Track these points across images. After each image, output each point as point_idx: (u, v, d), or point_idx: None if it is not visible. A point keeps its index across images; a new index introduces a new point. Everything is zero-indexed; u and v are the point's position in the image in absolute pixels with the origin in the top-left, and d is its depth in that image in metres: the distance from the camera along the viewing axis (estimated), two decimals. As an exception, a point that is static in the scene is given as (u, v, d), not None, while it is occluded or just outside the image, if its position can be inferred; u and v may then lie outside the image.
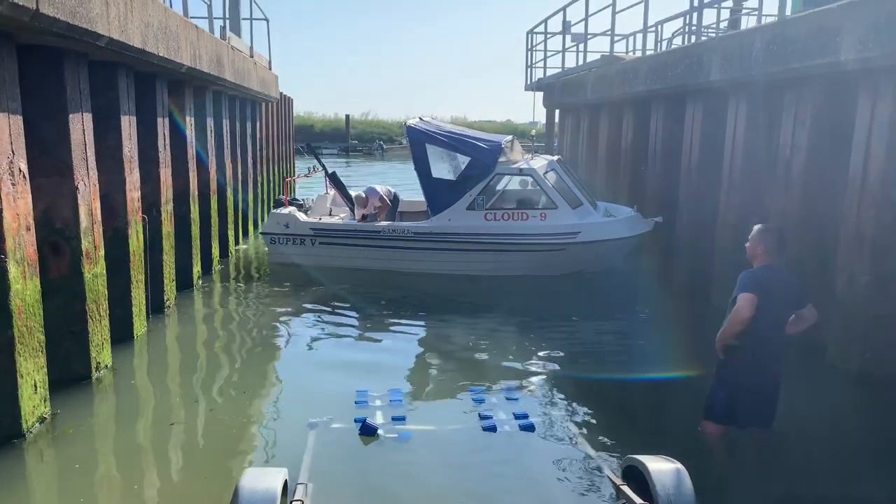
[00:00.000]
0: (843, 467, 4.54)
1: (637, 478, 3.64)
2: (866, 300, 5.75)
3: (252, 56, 12.31)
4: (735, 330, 4.11)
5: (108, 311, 5.96)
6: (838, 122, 6.22)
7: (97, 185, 5.84)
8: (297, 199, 11.20)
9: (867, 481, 4.35)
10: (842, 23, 5.61)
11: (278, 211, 10.05)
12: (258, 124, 14.50)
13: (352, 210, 10.62)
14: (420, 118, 10.42)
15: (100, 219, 5.87)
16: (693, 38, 10.17)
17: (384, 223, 9.77)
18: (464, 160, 9.69)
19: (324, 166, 11.21)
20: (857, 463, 4.59)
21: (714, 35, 10.51)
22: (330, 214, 10.87)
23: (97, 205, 5.82)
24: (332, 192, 11.33)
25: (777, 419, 4.30)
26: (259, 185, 14.24)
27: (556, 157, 10.65)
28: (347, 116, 43.48)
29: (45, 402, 4.92)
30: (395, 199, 10.74)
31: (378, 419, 5.04)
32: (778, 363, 4.21)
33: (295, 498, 3.47)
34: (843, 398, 5.63)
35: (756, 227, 4.37)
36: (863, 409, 5.42)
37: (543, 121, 17.79)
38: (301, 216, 9.97)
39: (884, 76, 5.55)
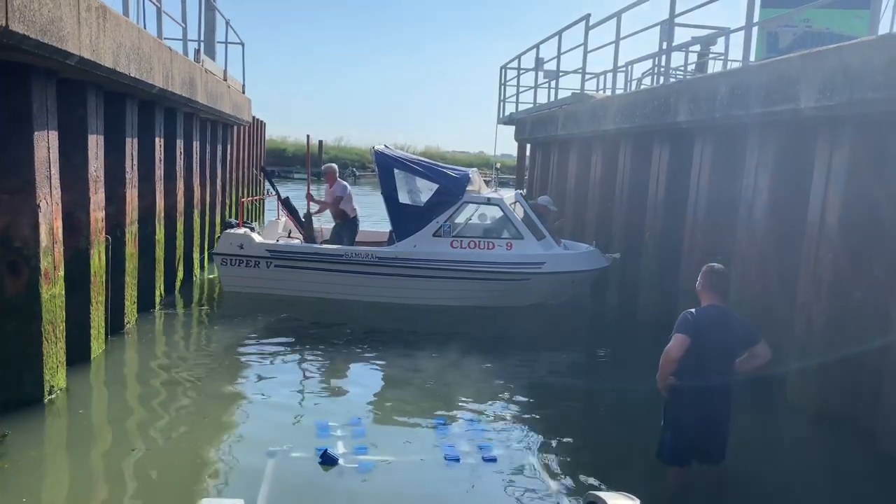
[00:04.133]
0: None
1: (597, 515, 3.63)
2: (823, 341, 5.88)
3: (226, 79, 12.29)
4: (665, 370, 4.16)
5: (64, 333, 5.80)
6: (799, 167, 6.41)
7: (60, 203, 5.73)
8: (249, 223, 10.66)
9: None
10: (802, 72, 5.82)
11: (232, 231, 9.62)
12: (229, 147, 14.44)
13: (305, 238, 10.39)
14: (385, 146, 10.35)
15: (61, 238, 5.75)
16: (662, 80, 10.45)
17: (346, 248, 9.61)
18: (432, 187, 9.69)
19: (277, 191, 10.99)
20: (812, 500, 4.65)
21: (682, 77, 10.81)
22: (290, 236, 10.69)
23: (59, 224, 5.70)
24: (283, 218, 11.10)
25: (729, 455, 4.33)
26: (228, 208, 14.12)
27: (520, 192, 10.82)
28: (320, 142, 43.26)
29: (-7, 425, 4.76)
30: (354, 220, 10.46)
31: (339, 449, 4.97)
32: (721, 400, 4.24)
33: (250, 530, 3.39)
34: (800, 436, 5.71)
35: (703, 268, 4.45)
36: (820, 447, 5.51)
37: (508, 153, 18.05)
38: (256, 237, 9.60)
39: (841, 125, 5.75)
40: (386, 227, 10.70)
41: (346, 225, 10.37)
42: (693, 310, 4.28)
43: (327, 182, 10.54)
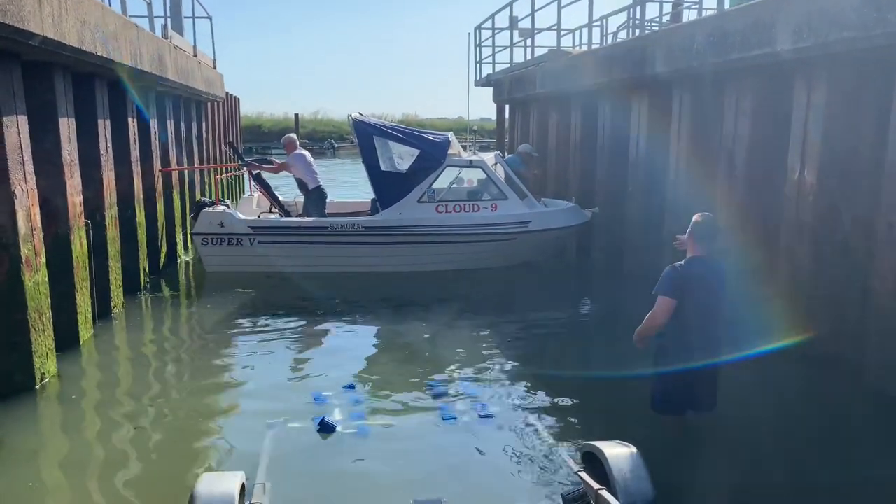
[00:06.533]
0: (790, 447, 4.71)
1: (594, 463, 3.70)
2: (808, 283, 5.96)
3: (196, 55, 12.05)
4: (649, 332, 4.26)
5: (51, 320, 5.76)
6: (778, 112, 6.42)
7: (35, 189, 5.64)
8: (224, 201, 10.44)
9: (813, 460, 4.52)
10: (777, 15, 5.79)
11: (211, 209, 9.39)
12: (204, 125, 14.21)
13: (281, 212, 10.35)
14: (360, 114, 10.19)
15: (40, 225, 5.67)
16: (637, 32, 10.37)
17: (331, 219, 9.59)
18: (413, 153, 9.59)
19: (246, 164, 10.80)
20: (802, 441, 4.76)
21: (657, 28, 10.73)
22: (270, 211, 10.64)
23: (36, 210, 5.62)
24: (256, 193, 10.97)
25: (721, 401, 4.42)
26: (207, 186, 13.94)
27: (499, 153, 10.84)
28: (296, 116, 42.92)
29: (-14, 415, 4.74)
30: (317, 191, 10.29)
31: (336, 416, 5.01)
32: (710, 350, 4.28)
33: (253, 500, 3.42)
34: (788, 376, 5.83)
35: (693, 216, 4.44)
36: (807, 387, 5.63)
37: (486, 117, 17.96)
38: (238, 214, 9.44)
39: (817, 67, 5.75)
40: (366, 196, 10.66)
41: (309, 196, 10.30)
42: (679, 265, 4.29)
43: (287, 152, 10.56)
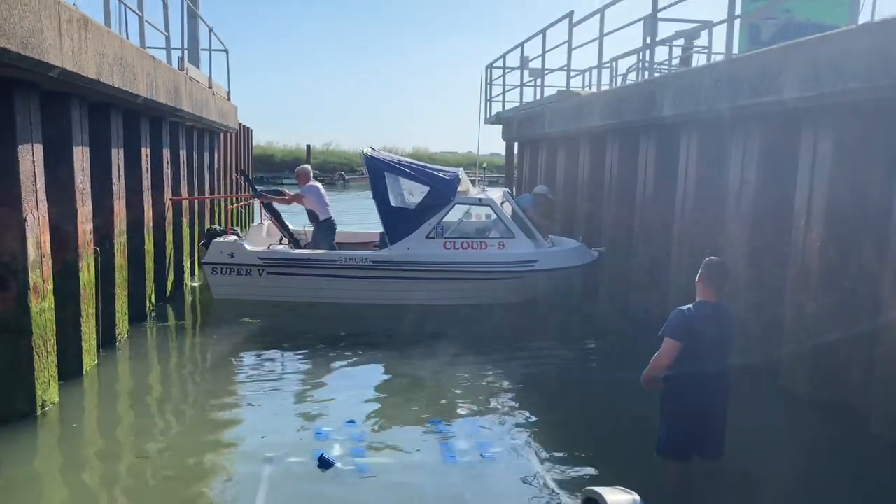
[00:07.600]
0: (795, 495, 4.63)
1: (595, 510, 3.64)
2: (814, 329, 5.92)
3: (211, 86, 12.25)
4: (654, 374, 4.20)
5: (55, 347, 5.77)
6: (785, 158, 6.45)
7: (47, 217, 5.70)
8: (235, 230, 10.45)
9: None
10: (784, 64, 5.86)
11: (223, 239, 9.47)
12: (216, 155, 14.38)
13: (291, 242, 10.45)
14: (372, 148, 10.33)
15: (49, 252, 5.72)
16: (646, 75, 10.48)
17: (340, 252, 9.67)
18: (423, 189, 9.70)
19: (258, 195, 10.88)
20: (808, 490, 4.69)
21: (666, 71, 10.85)
22: (281, 241, 10.71)
23: (46, 237, 5.67)
24: (266, 222, 11.10)
25: (727, 448, 4.35)
26: (217, 216, 14.06)
27: (507, 190, 10.91)
28: (308, 147, 43.32)
29: (-14, 442, 4.72)
30: (327, 223, 10.31)
31: (336, 452, 4.97)
32: (715, 396, 4.22)
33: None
34: (793, 422, 5.76)
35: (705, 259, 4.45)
36: (813, 435, 5.56)
37: (496, 152, 18.10)
38: (248, 245, 9.52)
39: (824, 115, 5.79)
40: (374, 227, 10.71)
41: (319, 228, 10.33)
42: (686, 308, 4.25)
43: (300, 183, 10.66)
